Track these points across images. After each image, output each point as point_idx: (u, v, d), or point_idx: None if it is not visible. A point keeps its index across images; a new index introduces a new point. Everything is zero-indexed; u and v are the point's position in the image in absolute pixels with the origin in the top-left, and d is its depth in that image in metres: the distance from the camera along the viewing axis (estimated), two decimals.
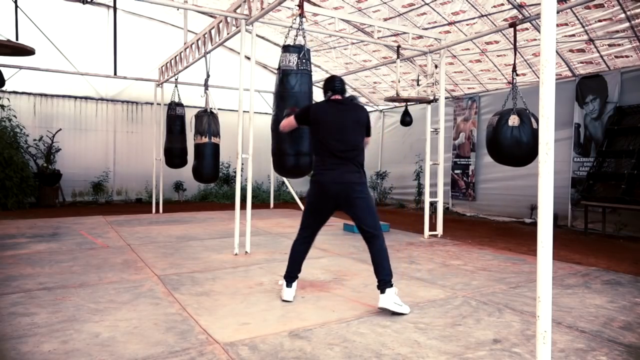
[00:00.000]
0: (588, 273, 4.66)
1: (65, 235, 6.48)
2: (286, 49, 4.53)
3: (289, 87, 4.47)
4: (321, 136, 3.49)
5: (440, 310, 3.41)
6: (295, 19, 4.69)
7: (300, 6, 4.65)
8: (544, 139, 2.07)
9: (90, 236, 6.43)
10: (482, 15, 7.42)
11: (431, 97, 7.11)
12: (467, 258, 5.35)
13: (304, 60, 4.44)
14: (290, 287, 3.62)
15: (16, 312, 3.24)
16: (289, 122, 3.75)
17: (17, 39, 6.57)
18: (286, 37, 4.70)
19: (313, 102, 4.41)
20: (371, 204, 3.53)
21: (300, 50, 4.46)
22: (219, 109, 7.53)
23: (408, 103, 7.78)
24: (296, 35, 4.60)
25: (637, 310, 3.50)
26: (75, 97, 11.24)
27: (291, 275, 3.63)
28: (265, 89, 11.72)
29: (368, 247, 3.50)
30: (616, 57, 7.42)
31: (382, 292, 3.34)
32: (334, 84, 3.63)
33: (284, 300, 3.59)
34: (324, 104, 3.63)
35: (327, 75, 11.81)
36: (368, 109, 7.88)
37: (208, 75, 7.19)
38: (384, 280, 3.36)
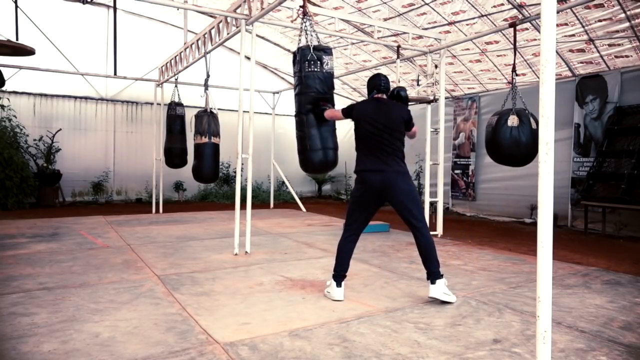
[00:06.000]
0: (588, 273, 4.66)
1: (65, 235, 6.48)
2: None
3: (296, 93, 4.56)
4: (362, 133, 3.70)
5: (440, 310, 3.41)
6: (302, 20, 4.62)
7: (304, 5, 4.60)
8: (544, 139, 2.06)
9: (90, 236, 6.42)
10: (482, 15, 7.42)
11: (431, 97, 7.11)
12: (467, 258, 5.35)
13: (302, 62, 4.42)
14: (341, 286, 3.68)
15: (16, 312, 3.24)
16: (334, 114, 4.13)
17: (17, 39, 6.58)
18: (299, 40, 4.61)
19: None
20: (414, 195, 3.67)
21: (294, 58, 4.50)
22: (219, 109, 7.53)
23: (408, 103, 7.80)
24: (301, 36, 4.55)
25: (637, 310, 3.50)
26: (75, 97, 11.25)
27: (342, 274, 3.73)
28: (265, 89, 11.71)
29: (414, 239, 3.67)
30: (616, 57, 7.42)
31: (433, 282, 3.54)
32: (379, 82, 3.79)
33: (336, 300, 3.62)
34: (368, 102, 3.81)
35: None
36: None
37: (208, 75, 7.19)
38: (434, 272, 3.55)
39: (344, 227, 3.80)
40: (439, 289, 3.49)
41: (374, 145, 3.64)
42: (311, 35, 4.53)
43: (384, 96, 3.80)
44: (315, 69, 4.43)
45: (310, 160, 4.49)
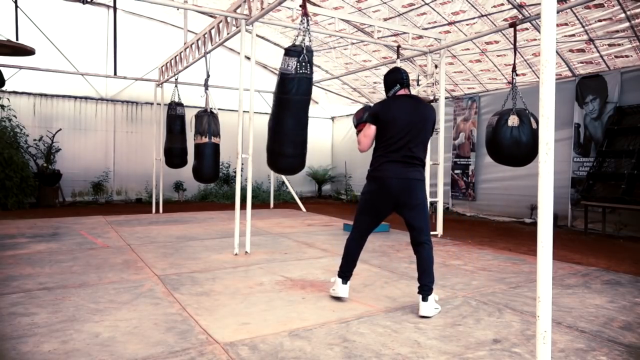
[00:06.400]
0: (588, 273, 4.66)
1: (65, 235, 6.48)
2: (286, 52, 4.53)
3: (286, 92, 4.55)
4: (388, 135, 3.33)
5: (440, 310, 3.40)
6: (301, 20, 4.63)
7: (303, 6, 4.61)
8: (544, 139, 2.07)
9: (90, 236, 6.43)
10: (482, 15, 7.42)
11: (431, 97, 7.11)
12: (467, 258, 5.35)
13: (303, 64, 4.41)
14: (347, 284, 3.61)
15: (16, 312, 3.24)
16: (365, 135, 3.45)
17: (17, 39, 6.58)
18: (295, 39, 4.62)
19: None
20: (426, 207, 3.45)
21: (300, 54, 4.42)
22: (219, 109, 7.53)
23: None
24: (299, 35, 4.54)
25: (637, 310, 3.50)
26: (75, 97, 11.25)
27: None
28: (265, 89, 11.72)
29: (415, 252, 3.44)
30: (616, 57, 7.42)
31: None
32: (401, 77, 3.44)
33: (338, 298, 3.60)
34: (393, 100, 3.45)
35: (328, 76, 11.64)
36: None
37: (208, 75, 7.19)
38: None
39: (353, 227, 3.63)
40: (430, 306, 3.26)
41: (399, 149, 3.31)
42: (310, 36, 4.53)
43: (408, 92, 3.46)
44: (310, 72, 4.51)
45: (281, 163, 4.81)
